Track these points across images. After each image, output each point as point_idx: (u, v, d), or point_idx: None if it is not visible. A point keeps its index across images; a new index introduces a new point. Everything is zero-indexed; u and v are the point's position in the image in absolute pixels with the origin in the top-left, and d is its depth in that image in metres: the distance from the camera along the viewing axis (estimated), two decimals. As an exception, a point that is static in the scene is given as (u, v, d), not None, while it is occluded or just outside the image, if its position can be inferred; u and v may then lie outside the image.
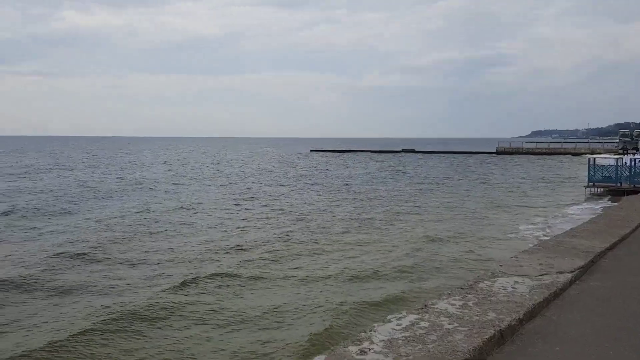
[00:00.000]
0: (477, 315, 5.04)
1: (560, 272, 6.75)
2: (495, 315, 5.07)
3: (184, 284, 12.22)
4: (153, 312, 10.42)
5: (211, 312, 10.56)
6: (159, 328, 9.77)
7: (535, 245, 8.89)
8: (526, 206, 27.71)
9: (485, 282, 6.30)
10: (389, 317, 5.08)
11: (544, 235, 19.56)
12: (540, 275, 6.64)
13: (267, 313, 10.42)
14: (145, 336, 9.39)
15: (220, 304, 11.07)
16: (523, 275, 6.63)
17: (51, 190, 33.18)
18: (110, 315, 10.19)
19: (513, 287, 6.11)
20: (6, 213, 23.10)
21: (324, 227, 20.09)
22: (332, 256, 15.38)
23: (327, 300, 11.02)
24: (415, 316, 5.03)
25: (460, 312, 5.17)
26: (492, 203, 28.77)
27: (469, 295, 5.72)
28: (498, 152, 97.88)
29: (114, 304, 11.00)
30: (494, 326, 4.75)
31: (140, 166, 61.29)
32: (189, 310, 10.61)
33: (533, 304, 5.50)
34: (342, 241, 17.48)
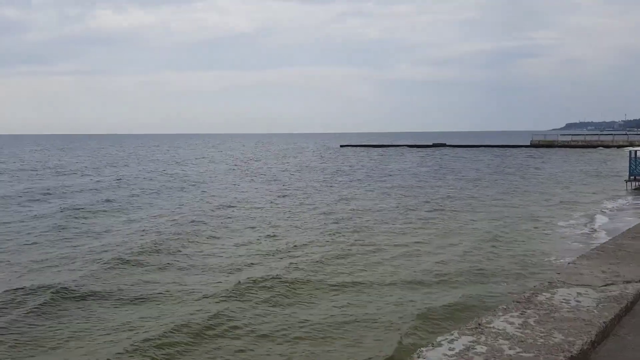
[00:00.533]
0: (541, 337, 4.34)
1: (628, 282, 5.97)
2: (563, 337, 4.35)
3: (231, 291, 11.66)
4: (201, 322, 9.86)
5: (258, 322, 10.03)
6: (208, 339, 9.25)
7: (593, 249, 8.07)
8: (566, 201, 26.69)
9: (544, 294, 5.56)
10: (439, 338, 4.41)
11: (588, 232, 18.76)
12: (605, 285, 5.87)
13: (314, 323, 9.88)
14: (193, 349, 8.88)
15: (266, 312, 10.53)
16: (585, 285, 5.88)
17: (96, 189, 33.30)
18: (158, 327, 9.69)
19: (577, 301, 5.37)
20: (53, 214, 22.84)
21: (366, 228, 19.38)
22: (375, 258, 14.71)
23: (373, 312, 10.39)
24: (469, 338, 4.34)
25: (521, 332, 4.47)
26: (532, 198, 27.91)
27: (529, 311, 5.00)
28: (532, 145, 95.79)
29: (162, 314, 10.49)
30: (563, 351, 4.04)
31: (177, 164, 61.24)
32: (237, 320, 10.10)
33: (604, 322, 4.76)
34: (386, 243, 16.78)
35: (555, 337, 4.31)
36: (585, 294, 5.55)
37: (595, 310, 5.04)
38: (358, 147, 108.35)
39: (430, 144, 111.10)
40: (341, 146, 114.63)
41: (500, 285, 12.24)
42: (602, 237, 17.65)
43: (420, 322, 9.86)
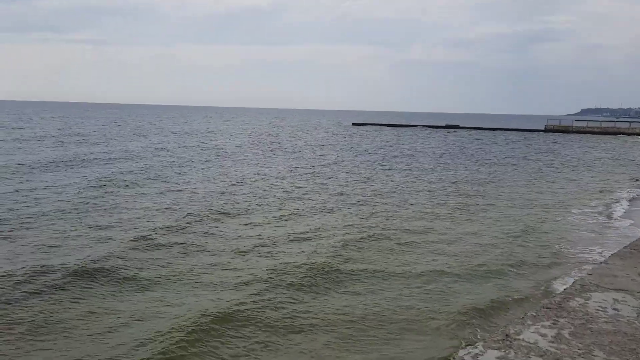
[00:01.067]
0: (580, 355, 3.76)
1: (668, 287, 5.37)
2: (605, 355, 3.77)
3: (256, 276, 11.05)
4: (228, 309, 9.27)
5: (285, 310, 9.49)
6: (234, 327, 8.71)
7: (626, 247, 7.45)
8: (583, 190, 25.97)
9: (577, 299, 4.98)
10: (461, 352, 3.87)
11: (604, 220, 18.17)
12: (644, 290, 5.27)
13: (341, 313, 9.42)
14: (224, 341, 8.31)
15: (293, 300, 9.99)
16: (621, 290, 5.29)
17: (115, 159, 32.61)
18: (183, 312, 9.17)
19: (614, 309, 4.78)
20: (72, 185, 22.01)
21: (385, 211, 18.52)
22: (392, 245, 14.05)
23: (393, 304, 9.86)
24: (496, 353, 3.77)
25: (555, 347, 3.89)
26: (550, 184, 27.30)
27: (561, 320, 4.42)
28: (547, 130, 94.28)
29: (185, 299, 9.92)
30: (606, 374, 3.47)
31: (194, 136, 60.14)
32: (264, 308, 9.53)
33: (649, 337, 4.17)
34: (405, 228, 16.06)
35: (596, 356, 3.73)
36: (622, 300, 4.96)
37: (636, 322, 4.46)
38: (370, 126, 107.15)
39: (444, 125, 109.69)
40: (353, 124, 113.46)
41: (524, 278, 11.79)
42: (622, 227, 17.13)
43: (445, 315, 9.32)
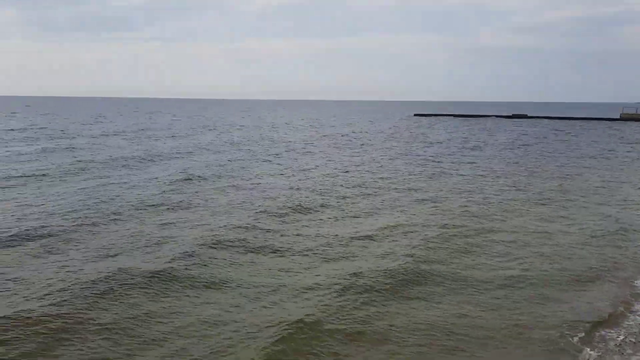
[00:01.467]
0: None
1: None
2: None
3: (337, 283, 10.87)
4: (311, 317, 9.14)
5: (373, 319, 9.30)
6: (315, 337, 8.54)
7: None
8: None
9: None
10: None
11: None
12: None
13: (431, 325, 9.14)
14: (299, 348, 8.21)
15: (378, 308, 9.78)
16: None
17: (187, 154, 33.40)
18: (270, 323, 9.00)
19: None
20: (149, 179, 22.80)
21: (461, 207, 18.23)
22: (464, 244, 13.82)
23: (474, 318, 9.45)
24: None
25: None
26: (633, 178, 26.08)
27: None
28: (622, 119, 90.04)
29: (263, 305, 9.84)
30: None
31: (259, 129, 61.14)
32: (350, 317, 9.33)
33: None
34: (485, 228, 15.66)
35: None
36: None
37: None
38: (435, 117, 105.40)
39: (510, 114, 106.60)
40: (415, 115, 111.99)
41: (612, 283, 11.32)
42: None
43: (537, 326, 8.94)
